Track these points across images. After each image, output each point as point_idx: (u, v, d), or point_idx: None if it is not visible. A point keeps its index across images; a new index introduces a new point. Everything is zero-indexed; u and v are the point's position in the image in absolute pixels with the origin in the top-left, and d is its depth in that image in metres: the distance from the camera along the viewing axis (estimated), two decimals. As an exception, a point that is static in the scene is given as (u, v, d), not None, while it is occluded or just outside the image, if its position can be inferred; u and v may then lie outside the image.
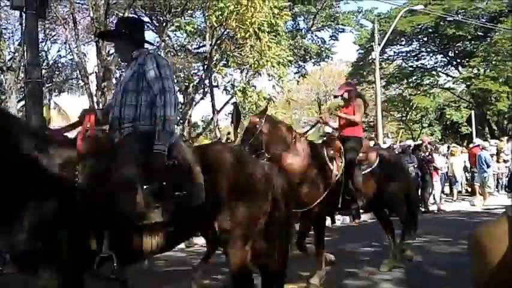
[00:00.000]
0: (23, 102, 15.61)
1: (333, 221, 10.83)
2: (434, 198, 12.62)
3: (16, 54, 16.77)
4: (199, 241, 8.92)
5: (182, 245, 8.63)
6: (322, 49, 22.33)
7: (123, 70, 16.80)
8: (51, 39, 18.23)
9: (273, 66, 14.37)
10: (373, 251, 6.87)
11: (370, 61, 24.79)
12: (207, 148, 3.68)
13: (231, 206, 3.17)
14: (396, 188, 5.85)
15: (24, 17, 9.04)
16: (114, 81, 15.46)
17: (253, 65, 14.64)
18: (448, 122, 28.84)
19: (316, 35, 22.60)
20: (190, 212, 3.01)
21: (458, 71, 26.72)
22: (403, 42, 26.43)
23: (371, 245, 7.05)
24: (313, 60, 22.79)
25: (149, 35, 17.08)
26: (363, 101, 5.92)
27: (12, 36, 17.76)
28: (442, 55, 26.76)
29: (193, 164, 3.09)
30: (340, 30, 23.02)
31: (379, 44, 21.35)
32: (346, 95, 5.80)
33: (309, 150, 5.20)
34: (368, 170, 5.54)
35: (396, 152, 12.59)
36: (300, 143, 5.18)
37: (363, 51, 26.72)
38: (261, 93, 15.63)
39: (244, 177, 3.28)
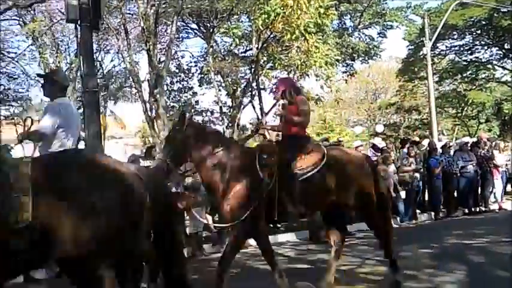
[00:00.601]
0: (80, 111, 16.32)
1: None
2: (495, 197, 12.08)
3: (73, 65, 17.62)
4: (254, 242, 9.01)
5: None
6: (370, 47, 21.86)
7: (173, 77, 17.23)
8: (105, 49, 18.98)
9: (321, 67, 14.26)
10: (431, 253, 6.66)
11: (422, 57, 24.07)
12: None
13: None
14: (351, 194, 4.82)
15: (79, 29, 9.48)
16: (165, 87, 15.91)
17: (300, 67, 14.59)
18: (506, 117, 27.49)
19: (363, 33, 22.17)
20: None
21: (516, 63, 25.47)
22: (455, 36, 25.46)
23: (429, 247, 6.82)
24: (361, 59, 22.35)
25: (197, 42, 17.38)
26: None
27: (68, 48, 18.68)
28: (497, 48, 25.53)
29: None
30: (388, 27, 22.44)
31: (430, 39, 20.69)
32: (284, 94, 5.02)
33: (236, 159, 4.66)
34: (308, 174, 4.65)
35: (453, 150, 12.17)
36: (225, 151, 4.67)
37: (413, 47, 25.99)
38: (309, 93, 15.55)
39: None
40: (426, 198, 11.94)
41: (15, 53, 18.32)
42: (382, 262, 6.30)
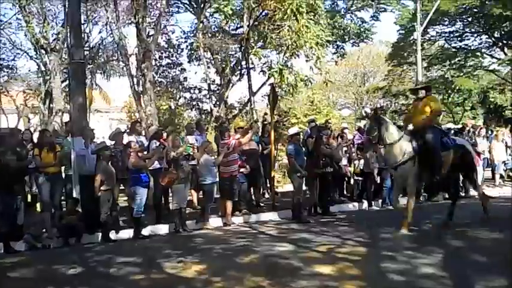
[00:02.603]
0: (66, 83, 16.09)
1: (370, 205, 10.81)
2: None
3: (60, 35, 17.27)
4: (237, 220, 9.11)
5: (220, 223, 8.86)
6: (362, 29, 21.79)
7: (162, 52, 16.97)
8: (93, 20, 18.63)
9: (311, 47, 14.19)
10: (411, 236, 6.79)
11: (412, 42, 24.08)
12: None
13: None
14: None
15: (67, 0, 9.30)
16: (153, 62, 15.69)
17: (290, 46, 14.51)
18: (491, 106, 27.78)
19: (356, 15, 22.06)
20: None
21: (504, 52, 25.56)
22: (446, 23, 25.45)
23: (409, 230, 6.95)
24: (352, 41, 22.29)
25: (187, 17, 17.00)
26: None
27: (56, 18, 18.29)
28: (487, 36, 25.61)
29: None
30: (381, 10, 22.35)
31: (421, 24, 20.68)
32: None
33: None
34: None
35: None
36: None
37: (403, 32, 25.95)
38: (298, 74, 15.50)
39: None
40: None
41: (1, 21, 17.90)
42: (362, 243, 6.46)
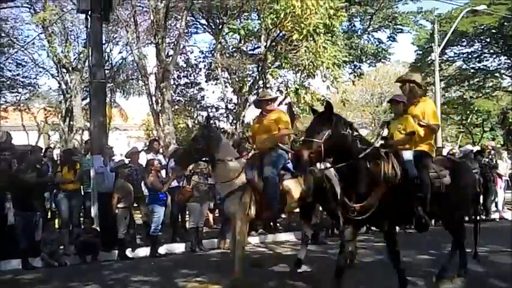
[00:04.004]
0: (86, 101, 16.39)
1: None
2: (496, 206, 12.04)
3: (81, 55, 17.67)
4: (253, 240, 9.05)
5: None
6: (379, 50, 21.81)
7: (181, 71, 17.21)
8: (113, 41, 19.02)
9: (328, 68, 14.24)
10: (430, 260, 6.65)
11: (429, 62, 24.00)
12: None
13: None
14: None
15: (89, 20, 9.53)
16: (172, 82, 15.90)
17: (307, 67, 14.58)
18: (511, 127, 27.38)
19: (373, 36, 22.13)
20: None
21: (524, 73, 25.34)
22: (465, 43, 25.34)
23: (429, 253, 6.81)
24: (369, 61, 22.31)
25: (205, 37, 17.23)
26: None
27: (78, 38, 18.74)
28: (505, 57, 25.39)
29: None
30: (398, 30, 22.38)
31: (439, 45, 20.63)
32: None
33: None
34: None
35: (457, 157, 12.12)
36: None
37: (421, 52, 25.90)
38: (315, 94, 15.53)
39: None
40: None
41: (25, 41, 18.41)
42: (381, 265, 6.33)
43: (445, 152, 12.47)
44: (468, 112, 27.53)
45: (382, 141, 5.10)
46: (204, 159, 5.68)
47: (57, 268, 7.43)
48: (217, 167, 5.42)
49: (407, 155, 4.84)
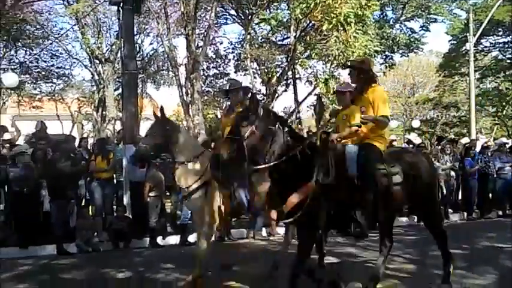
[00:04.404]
0: (119, 91, 16.70)
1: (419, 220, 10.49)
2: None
3: (113, 46, 17.98)
4: (282, 231, 9.09)
5: (264, 233, 8.86)
6: (412, 39, 21.33)
7: (210, 62, 17.26)
8: (144, 32, 19.27)
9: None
10: (462, 254, 6.53)
11: (464, 52, 23.30)
12: None
13: None
14: None
15: (121, 12, 9.67)
16: (201, 72, 16.01)
17: (337, 57, 14.42)
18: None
19: (405, 25, 21.65)
20: None
21: None
22: (501, 33, 24.48)
23: (460, 248, 6.69)
24: (401, 51, 21.86)
25: (235, 28, 17.28)
26: None
27: (110, 30, 19.07)
28: (544, 47, 24.48)
29: None
30: (431, 20, 21.81)
31: (474, 35, 20.00)
32: None
33: None
34: None
35: (491, 150, 11.82)
36: None
37: (455, 42, 25.18)
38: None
39: None
40: (460, 197, 11.67)
41: (59, 33, 18.85)
42: (411, 260, 6.27)
43: (479, 145, 12.16)
44: (503, 104, 26.67)
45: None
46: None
47: (91, 254, 7.65)
48: (176, 170, 4.95)
49: (350, 150, 4.22)
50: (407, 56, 24.24)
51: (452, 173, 10.92)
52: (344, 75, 16.31)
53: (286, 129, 4.01)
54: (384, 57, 20.71)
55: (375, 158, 4.30)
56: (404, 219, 10.47)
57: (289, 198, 3.85)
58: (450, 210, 11.01)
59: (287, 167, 3.87)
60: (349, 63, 5.01)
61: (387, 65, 21.09)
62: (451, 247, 6.42)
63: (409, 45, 21.43)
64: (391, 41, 20.26)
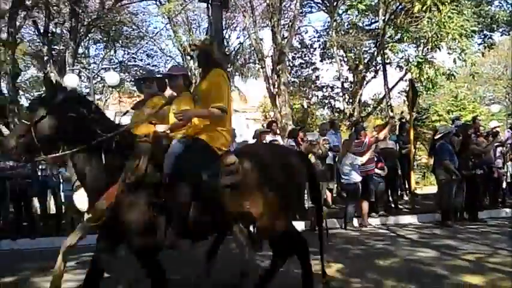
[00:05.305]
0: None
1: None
2: None
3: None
4: (373, 222, 8.90)
5: (356, 224, 8.73)
6: (513, 16, 19.56)
7: (296, 52, 17.18)
8: (231, 27, 19.70)
9: (454, 39, 13.22)
10: None
11: None
12: None
13: None
14: None
15: (210, 9, 9.98)
16: (287, 63, 16.04)
17: (431, 39, 13.70)
18: None
19: (506, 1, 19.86)
20: None
21: None
22: None
23: None
24: (501, 29, 20.12)
25: (320, 16, 16.95)
26: None
27: (199, 27, 19.77)
28: None
29: None
30: (537, -8, 19.82)
31: None
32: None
33: None
34: None
35: None
36: None
37: None
38: (439, 68, 14.54)
39: None
40: None
41: (153, 32, 19.93)
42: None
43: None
44: None
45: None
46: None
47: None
48: None
49: (174, 146, 3.62)
50: (509, 34, 22.25)
51: None
52: (438, 58, 15.48)
53: (94, 116, 3.53)
54: (482, 36, 19.22)
55: (199, 155, 3.63)
56: (508, 210, 9.76)
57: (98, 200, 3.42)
58: None
59: (89, 157, 3.44)
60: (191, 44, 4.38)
61: (486, 45, 19.52)
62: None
63: (510, 22, 19.64)
64: (489, 19, 18.74)
